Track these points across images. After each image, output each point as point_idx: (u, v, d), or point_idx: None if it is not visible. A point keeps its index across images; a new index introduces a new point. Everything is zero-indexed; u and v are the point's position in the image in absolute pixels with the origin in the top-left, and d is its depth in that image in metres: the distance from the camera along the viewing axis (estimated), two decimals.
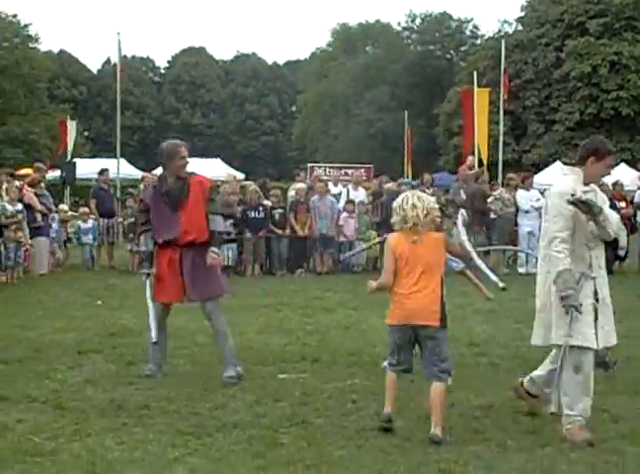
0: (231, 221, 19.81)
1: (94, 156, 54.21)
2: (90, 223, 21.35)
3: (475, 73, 29.78)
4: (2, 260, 17.90)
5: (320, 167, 33.31)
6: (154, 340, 9.23)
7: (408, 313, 7.33)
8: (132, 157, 47.19)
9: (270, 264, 20.70)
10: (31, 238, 18.70)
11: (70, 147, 29.39)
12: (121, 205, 23.31)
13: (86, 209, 21.72)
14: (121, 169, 28.61)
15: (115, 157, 32.08)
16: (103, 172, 22.60)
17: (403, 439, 7.08)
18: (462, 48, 73.22)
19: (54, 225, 20.69)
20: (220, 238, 9.59)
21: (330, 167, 33.17)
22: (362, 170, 28.58)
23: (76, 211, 22.95)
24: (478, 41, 69.36)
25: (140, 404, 8.05)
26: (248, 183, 25.29)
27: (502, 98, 30.93)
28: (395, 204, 7.54)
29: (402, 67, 67.69)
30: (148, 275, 9.44)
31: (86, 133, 69.90)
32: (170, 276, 9.34)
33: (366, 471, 6.33)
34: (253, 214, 20.39)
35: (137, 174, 34.28)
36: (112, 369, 9.63)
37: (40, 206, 19.37)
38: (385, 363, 8.03)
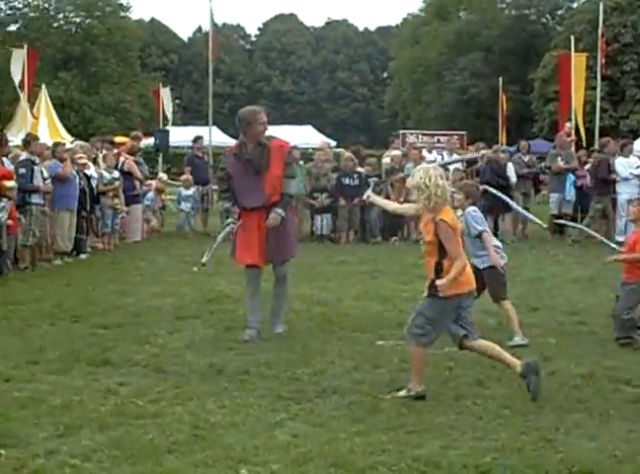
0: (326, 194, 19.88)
1: (185, 124, 54.61)
2: (191, 191, 21.53)
3: (572, 38, 29.15)
4: (99, 227, 18.18)
5: (412, 134, 33.07)
6: (203, 261, 9.76)
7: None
8: (224, 125, 47.31)
9: (364, 231, 20.63)
10: (126, 205, 18.92)
11: (169, 114, 29.62)
12: (214, 173, 23.43)
13: (187, 177, 21.82)
14: (213, 137, 28.72)
15: (206, 125, 32.25)
16: (197, 140, 22.75)
17: (502, 407, 7.01)
18: (558, 12, 71.77)
19: (150, 193, 20.91)
20: (289, 201, 9.68)
21: (422, 134, 32.91)
22: (455, 137, 28.22)
23: (173, 179, 23.18)
24: (574, 5, 67.85)
25: (240, 369, 8.11)
26: (342, 150, 25.21)
27: (599, 63, 30.17)
28: (415, 182, 7.31)
29: (496, 32, 66.68)
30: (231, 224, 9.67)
31: (177, 101, 70.42)
32: (256, 239, 9.54)
33: (467, 437, 6.27)
34: (348, 182, 20.33)
35: (229, 141, 34.46)
36: (210, 334, 9.73)
37: (139, 174, 19.60)
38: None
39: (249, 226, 9.59)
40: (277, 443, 6.09)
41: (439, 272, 7.27)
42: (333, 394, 7.33)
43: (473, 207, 9.53)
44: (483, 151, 21.58)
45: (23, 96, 25.48)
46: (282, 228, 9.52)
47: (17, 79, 24.41)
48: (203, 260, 9.76)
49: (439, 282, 7.18)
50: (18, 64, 24.44)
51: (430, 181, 7.19)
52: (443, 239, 7.21)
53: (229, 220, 9.73)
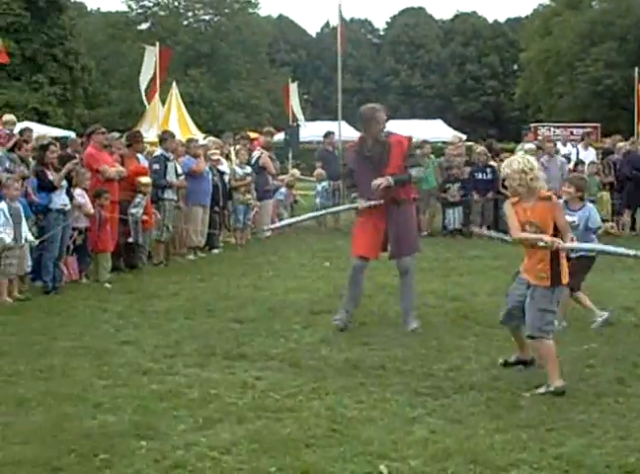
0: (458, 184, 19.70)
1: (314, 119, 54.87)
2: (323, 185, 21.58)
3: None
4: (231, 222, 18.38)
5: (545, 126, 32.49)
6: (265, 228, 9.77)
7: None
8: (352, 119, 47.33)
9: (497, 226, 20.33)
10: (258, 200, 19.07)
11: (297, 109, 29.73)
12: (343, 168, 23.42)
13: (320, 171, 21.83)
14: (343, 131, 28.70)
15: (335, 120, 32.25)
16: (328, 135, 22.79)
17: None
18: None
19: (283, 188, 21.02)
20: (406, 179, 9.64)
21: (555, 126, 32.30)
22: (589, 129, 27.59)
23: (304, 174, 23.27)
24: None
25: (376, 364, 8.08)
26: (474, 144, 24.92)
27: None
28: (516, 166, 7.40)
29: (631, 21, 65.01)
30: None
31: (305, 96, 70.83)
32: (373, 232, 9.71)
33: (610, 436, 6.12)
34: (480, 176, 20.09)
35: (355, 136, 34.43)
36: (346, 329, 9.71)
37: (273, 170, 19.73)
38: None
39: (366, 222, 9.80)
40: (415, 439, 6.04)
41: (556, 258, 7.27)
42: (470, 390, 7.25)
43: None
44: (620, 144, 21.06)
45: (143, 92, 25.89)
46: (404, 222, 9.72)
47: (148, 76, 24.78)
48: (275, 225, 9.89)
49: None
50: (150, 62, 24.83)
51: (528, 167, 7.33)
52: (559, 216, 7.38)
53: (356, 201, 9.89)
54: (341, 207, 10.18)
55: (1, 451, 5.74)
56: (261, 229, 10.44)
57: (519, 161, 7.42)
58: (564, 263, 7.40)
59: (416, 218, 10.57)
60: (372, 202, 9.60)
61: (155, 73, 24.02)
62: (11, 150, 12.75)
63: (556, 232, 7.31)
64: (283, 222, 10.47)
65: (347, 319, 9.78)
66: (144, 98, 25.35)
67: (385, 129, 9.73)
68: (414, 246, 9.95)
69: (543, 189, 7.40)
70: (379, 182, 9.39)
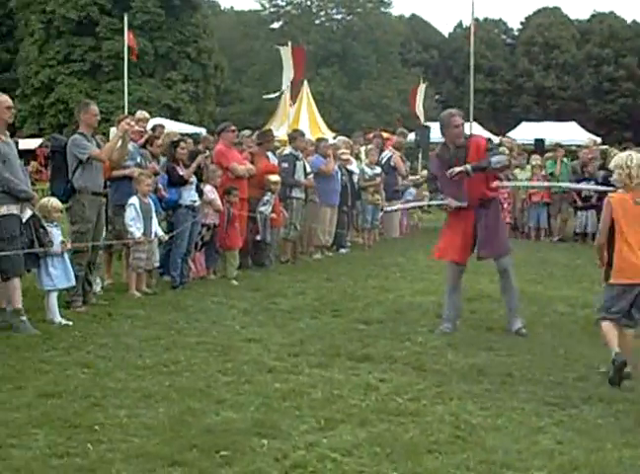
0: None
1: None
2: None
3: None
4: (359, 222, 18.36)
5: None
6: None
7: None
8: (484, 120, 46.82)
9: None
10: (387, 201, 18.98)
11: (420, 110, 29.53)
12: None
13: None
14: (474, 132, 28.37)
15: (466, 121, 31.95)
16: None
17: None
18: None
19: (411, 189, 20.90)
20: (484, 166, 9.57)
21: None
22: None
23: None
24: None
25: (502, 371, 7.92)
26: (609, 147, 24.32)
27: None
28: (618, 161, 7.67)
29: None
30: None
31: (437, 97, 70.40)
32: (460, 237, 9.82)
33: None
34: None
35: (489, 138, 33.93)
36: (471, 334, 9.59)
37: (404, 170, 19.64)
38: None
39: (454, 224, 9.93)
40: (540, 449, 5.89)
41: None
42: (599, 401, 7.04)
43: None
44: None
45: (287, 92, 26.02)
46: (494, 223, 9.83)
47: (289, 76, 24.84)
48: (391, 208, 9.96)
49: None
50: (288, 61, 24.94)
51: (631, 162, 7.56)
52: None
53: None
54: (433, 202, 10.17)
55: (124, 444, 5.80)
56: (384, 207, 11.13)
57: (621, 156, 7.71)
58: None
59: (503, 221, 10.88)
60: (459, 204, 9.72)
61: (293, 73, 24.09)
62: (143, 146, 12.97)
63: None
64: (400, 206, 10.99)
65: (452, 327, 9.78)
66: (288, 98, 25.50)
67: (465, 133, 9.95)
68: (504, 247, 9.95)
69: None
70: (457, 170, 9.44)
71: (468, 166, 9.44)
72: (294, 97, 26.61)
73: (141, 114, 14.55)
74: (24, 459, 5.50)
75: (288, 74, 23.66)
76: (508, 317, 9.85)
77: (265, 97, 29.61)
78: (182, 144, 12.66)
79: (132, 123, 11.51)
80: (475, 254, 10.02)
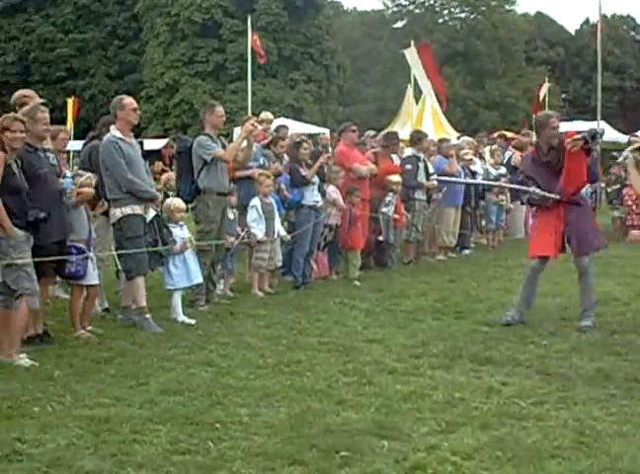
0: None
1: (571, 119, 53.58)
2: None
3: None
4: (483, 223, 18.17)
5: None
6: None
7: None
8: (612, 119, 45.84)
9: None
10: (511, 201, 18.73)
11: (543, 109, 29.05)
12: (605, 171, 22.75)
13: None
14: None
15: (593, 119, 31.32)
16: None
17: None
18: None
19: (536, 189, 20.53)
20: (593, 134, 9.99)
21: None
22: None
23: None
24: None
25: (629, 375, 7.68)
26: None
27: None
28: None
29: None
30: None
31: (563, 96, 69.28)
32: (553, 232, 9.88)
33: None
34: None
35: (618, 137, 33.15)
36: (597, 338, 9.34)
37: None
38: None
39: (547, 221, 10.04)
40: None
41: None
42: None
43: None
44: None
45: (428, 95, 25.93)
46: (583, 221, 9.94)
47: (422, 79, 24.67)
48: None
49: None
50: (415, 63, 24.80)
51: None
52: None
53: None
54: (522, 187, 10.13)
55: (245, 442, 5.84)
56: (436, 178, 11.87)
57: None
58: None
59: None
60: (549, 195, 9.83)
61: (425, 71, 23.91)
62: (266, 147, 13.09)
63: None
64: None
65: (518, 317, 10.01)
66: (436, 102, 25.40)
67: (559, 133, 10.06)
68: (591, 245, 10.03)
69: None
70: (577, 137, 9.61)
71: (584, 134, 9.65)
72: (442, 94, 26.45)
73: (265, 115, 14.72)
74: (146, 455, 5.59)
75: (420, 73, 23.52)
76: (580, 313, 9.96)
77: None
78: (304, 145, 12.72)
79: (257, 124, 11.62)
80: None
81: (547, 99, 30.75)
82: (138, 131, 11.25)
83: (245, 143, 11.29)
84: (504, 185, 9.83)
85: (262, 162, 12.58)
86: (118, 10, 62.50)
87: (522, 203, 10.96)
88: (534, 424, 6.34)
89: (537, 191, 9.94)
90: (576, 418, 6.48)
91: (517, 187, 10.54)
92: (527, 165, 10.41)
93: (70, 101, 32.52)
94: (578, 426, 6.29)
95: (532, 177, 10.09)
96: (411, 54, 24.02)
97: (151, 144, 34.79)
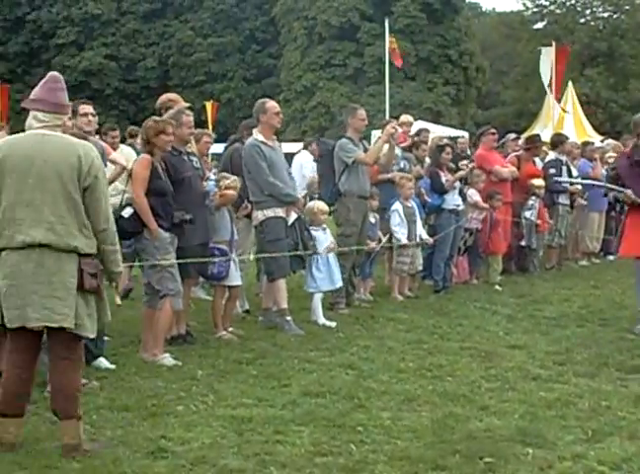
0: None
1: None
2: None
3: None
4: None
5: None
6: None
7: None
8: None
9: None
10: None
11: None
12: None
13: None
14: None
15: None
16: None
17: None
18: None
19: None
20: None
21: None
22: None
23: None
24: None
25: None
26: None
27: None
28: None
29: None
30: None
31: None
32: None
33: None
34: None
35: None
36: None
37: None
38: None
39: (636, 221, 9.93)
40: None
41: None
42: None
43: None
44: None
45: (550, 93, 25.56)
46: None
47: (546, 78, 24.45)
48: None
49: None
50: (546, 63, 24.51)
51: None
52: None
53: None
54: (616, 187, 9.86)
55: (387, 446, 5.85)
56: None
57: None
58: None
59: None
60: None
61: (552, 74, 23.66)
62: (407, 150, 13.05)
63: None
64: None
65: None
66: (552, 100, 25.07)
67: None
68: None
69: None
70: None
71: None
72: (557, 97, 26.04)
73: (405, 117, 14.69)
74: (289, 455, 5.65)
75: (546, 73, 23.22)
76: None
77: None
78: (447, 149, 12.64)
79: (397, 127, 11.60)
80: None
81: None
82: (276, 134, 11.46)
83: (387, 146, 11.29)
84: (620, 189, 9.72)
85: (402, 165, 12.54)
86: (255, 14, 63.43)
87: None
88: None
89: (629, 192, 9.80)
90: None
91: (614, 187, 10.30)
92: (621, 163, 10.38)
93: (209, 104, 33.12)
94: None
95: (624, 176, 10.02)
96: (548, 54, 23.70)
97: (288, 147, 35.14)
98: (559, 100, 27.09)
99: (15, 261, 5.56)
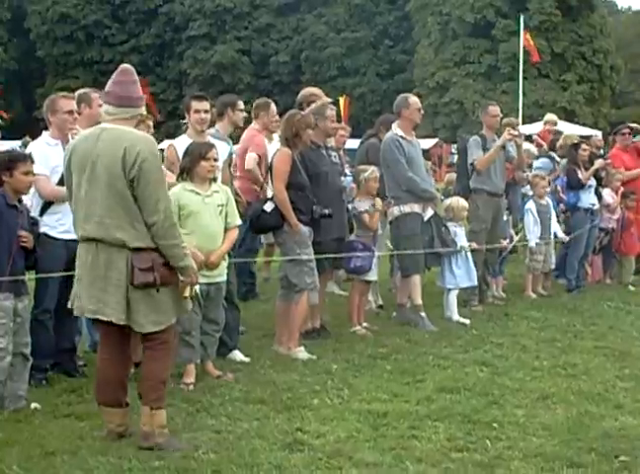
0: None
1: None
2: None
3: None
4: None
5: None
6: None
7: None
8: None
9: None
10: None
11: None
12: None
13: None
14: None
15: None
16: None
17: None
18: None
19: None
20: None
21: None
22: None
23: None
24: None
25: None
26: None
27: None
28: None
29: None
30: None
31: None
32: None
33: None
34: None
35: None
36: None
37: None
38: None
39: None
40: None
41: None
42: None
43: None
44: None
45: None
46: None
47: None
48: None
49: None
50: None
51: None
52: None
53: None
54: None
55: (523, 442, 5.92)
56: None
57: None
58: None
59: None
60: None
61: None
62: (551, 149, 13.06)
63: None
64: None
65: None
66: None
67: None
68: None
69: None
70: None
71: None
72: None
73: (550, 116, 14.73)
74: (425, 450, 5.75)
75: None
76: None
77: None
78: (583, 146, 12.55)
79: (514, 132, 11.32)
80: None
81: None
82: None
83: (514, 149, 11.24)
84: None
85: (541, 164, 12.53)
86: (389, 9, 63.47)
87: None
88: None
89: None
90: None
91: None
92: None
93: (342, 99, 32.82)
94: None
95: None
96: None
97: (420, 143, 35.05)
98: None
99: (80, 253, 5.76)
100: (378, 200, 9.60)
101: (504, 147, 11.10)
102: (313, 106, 9.17)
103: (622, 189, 13.00)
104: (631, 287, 12.62)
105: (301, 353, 8.31)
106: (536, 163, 13.20)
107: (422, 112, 10.23)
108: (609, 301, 11.44)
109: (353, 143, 13.60)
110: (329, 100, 9.55)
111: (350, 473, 5.38)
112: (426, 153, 33.50)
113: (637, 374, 7.77)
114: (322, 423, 6.30)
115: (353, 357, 8.26)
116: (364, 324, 9.58)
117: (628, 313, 10.76)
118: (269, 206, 8.29)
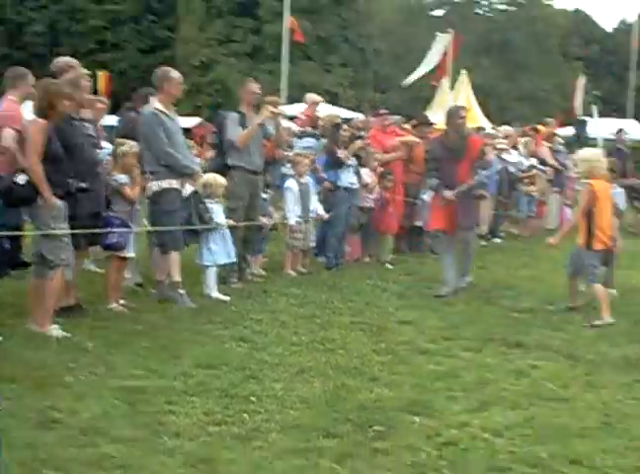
0: None
1: (603, 116, 53.17)
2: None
3: None
4: (514, 212, 18.16)
5: None
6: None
7: None
8: None
9: None
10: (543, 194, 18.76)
11: (578, 104, 28.99)
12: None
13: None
14: (633, 130, 27.68)
15: (624, 118, 31.18)
16: (619, 131, 22.25)
17: None
18: None
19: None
20: (474, 187, 11.22)
21: None
22: None
23: None
24: None
25: None
26: None
27: None
28: None
29: None
30: None
31: (595, 93, 68.72)
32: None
33: None
34: None
35: None
36: (623, 326, 9.44)
37: (552, 161, 19.32)
38: None
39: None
40: None
41: None
42: None
43: None
44: None
45: (445, 80, 25.98)
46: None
47: (434, 61, 24.88)
48: None
49: None
50: (438, 48, 24.91)
51: None
52: None
53: None
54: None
55: (280, 415, 5.98)
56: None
57: None
58: None
59: None
60: None
61: (443, 59, 24.00)
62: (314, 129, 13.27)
63: None
64: None
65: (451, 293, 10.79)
66: (447, 86, 25.49)
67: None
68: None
69: None
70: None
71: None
72: (437, 78, 26.53)
73: (312, 97, 14.90)
74: (182, 424, 5.71)
75: (432, 59, 23.60)
76: None
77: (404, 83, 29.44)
78: (344, 127, 12.79)
79: (275, 110, 11.37)
80: None
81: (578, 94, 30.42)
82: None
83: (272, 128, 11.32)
84: None
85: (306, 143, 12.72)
86: None
87: None
88: (562, 405, 6.53)
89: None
90: (601, 400, 6.68)
91: None
92: (434, 147, 11.64)
93: (101, 74, 30.79)
94: (603, 408, 6.49)
95: (437, 158, 11.36)
96: (442, 40, 24.06)
97: (183, 122, 34.62)
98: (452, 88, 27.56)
99: None
100: None
101: (262, 125, 11.11)
102: (68, 75, 8.84)
103: (380, 169, 13.37)
104: (388, 266, 12.98)
105: (55, 330, 8.01)
106: (301, 143, 13.30)
107: (182, 87, 10.01)
108: (367, 279, 11.70)
109: (112, 120, 13.19)
110: (85, 71, 9.24)
111: (106, 449, 5.25)
112: (189, 132, 33.34)
113: (393, 348, 8.00)
114: (76, 400, 6.14)
115: (109, 335, 8.06)
116: (122, 301, 9.37)
117: (384, 290, 11.03)
118: (22, 179, 7.86)
